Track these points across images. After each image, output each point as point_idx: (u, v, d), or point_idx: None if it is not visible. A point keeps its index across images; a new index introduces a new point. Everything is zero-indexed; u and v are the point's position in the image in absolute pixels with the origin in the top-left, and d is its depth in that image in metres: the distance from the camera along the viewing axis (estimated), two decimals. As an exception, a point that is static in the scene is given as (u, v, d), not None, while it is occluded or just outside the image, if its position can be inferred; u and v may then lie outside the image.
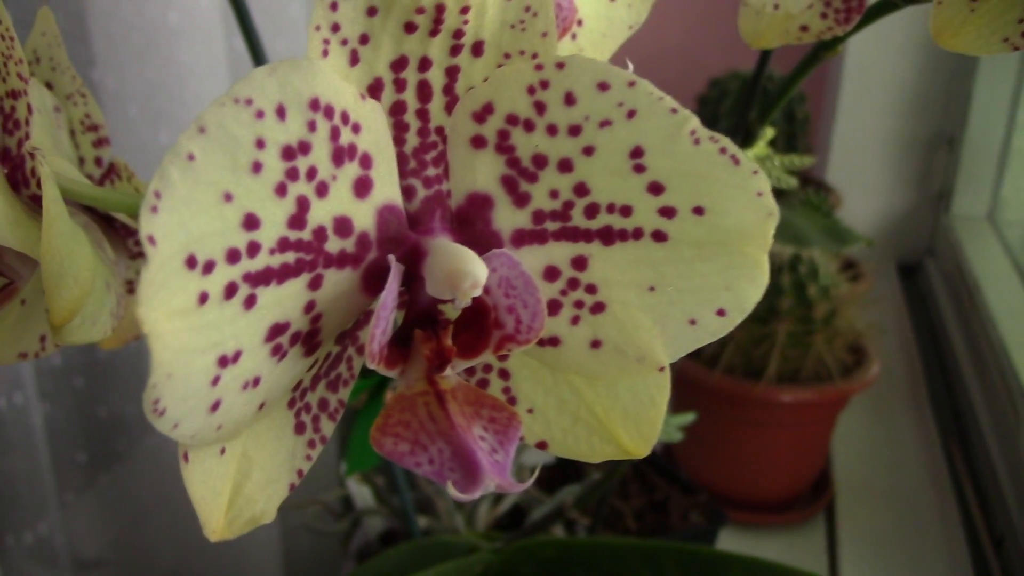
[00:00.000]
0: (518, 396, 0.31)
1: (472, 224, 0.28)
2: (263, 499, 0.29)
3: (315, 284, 0.26)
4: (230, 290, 0.24)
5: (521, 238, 0.28)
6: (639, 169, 0.27)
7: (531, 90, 0.27)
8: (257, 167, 0.24)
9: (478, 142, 0.28)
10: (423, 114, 0.28)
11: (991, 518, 0.93)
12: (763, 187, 0.27)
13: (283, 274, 0.25)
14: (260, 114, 0.23)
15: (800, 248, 0.95)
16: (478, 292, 0.26)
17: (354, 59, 0.26)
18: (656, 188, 0.27)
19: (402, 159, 0.28)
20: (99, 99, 0.72)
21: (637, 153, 0.27)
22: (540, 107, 0.27)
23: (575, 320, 0.29)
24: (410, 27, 0.26)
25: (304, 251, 0.25)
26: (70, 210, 0.31)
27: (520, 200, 0.28)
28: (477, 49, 0.27)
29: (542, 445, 0.31)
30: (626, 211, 0.27)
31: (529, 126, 0.27)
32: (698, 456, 0.99)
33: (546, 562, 0.56)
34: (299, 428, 0.29)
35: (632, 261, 0.28)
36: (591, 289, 0.29)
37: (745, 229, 0.27)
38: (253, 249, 0.24)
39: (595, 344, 0.29)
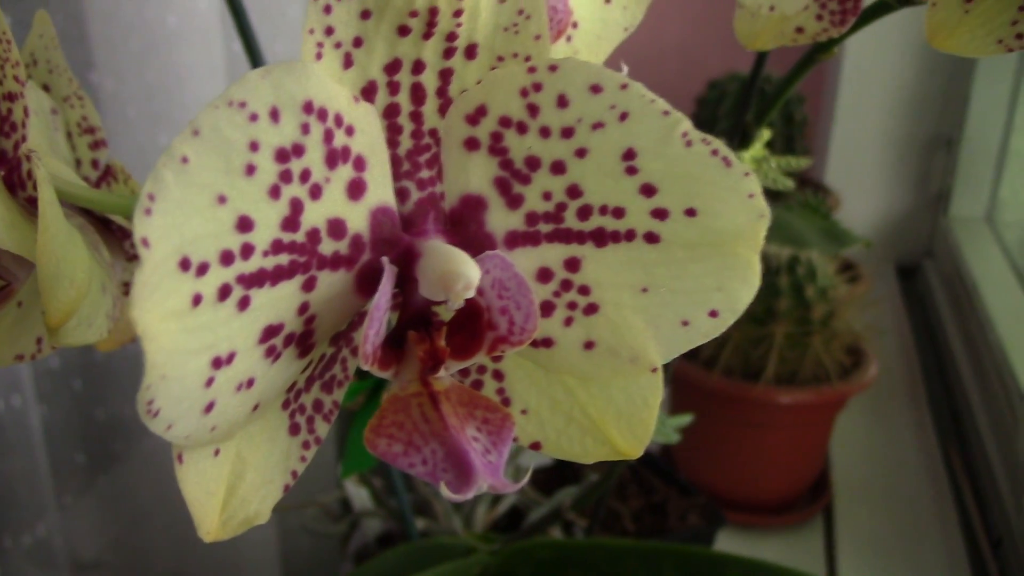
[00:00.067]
0: (512, 397, 0.31)
1: (465, 226, 0.29)
2: (257, 500, 0.29)
3: (309, 286, 0.26)
4: (224, 292, 0.24)
5: (514, 240, 0.29)
6: (631, 171, 0.27)
7: (524, 92, 0.27)
8: (251, 169, 0.24)
9: (471, 144, 0.28)
10: (417, 116, 0.28)
11: (989, 519, 0.93)
12: (755, 189, 0.27)
13: (277, 276, 0.25)
14: (254, 117, 0.24)
15: (798, 249, 0.95)
16: (471, 294, 0.26)
17: (348, 62, 0.26)
18: (648, 190, 0.27)
19: (396, 161, 0.28)
20: (98, 101, 0.72)
21: (629, 155, 0.27)
22: (533, 109, 0.27)
23: (568, 321, 0.29)
24: (403, 30, 0.26)
25: (298, 253, 0.26)
26: (66, 212, 0.31)
27: (513, 202, 0.28)
28: (470, 52, 0.27)
29: (536, 446, 0.31)
30: (619, 213, 0.28)
31: (522, 128, 0.27)
32: (696, 457, 0.99)
33: (544, 563, 0.56)
34: (293, 429, 0.29)
35: (625, 262, 0.28)
36: (584, 290, 0.29)
37: (737, 230, 0.27)
38: (247, 251, 0.24)
39: (588, 345, 0.29)
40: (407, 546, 0.60)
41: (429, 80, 0.27)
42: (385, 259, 0.27)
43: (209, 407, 0.25)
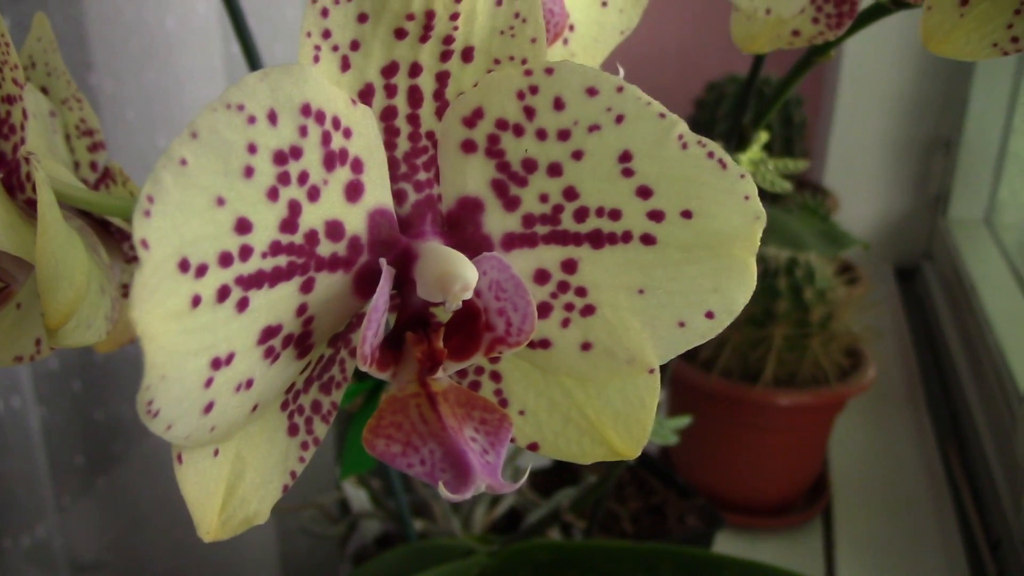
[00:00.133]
0: (509, 398, 0.31)
1: (463, 228, 0.29)
2: (256, 500, 0.29)
3: (307, 287, 0.26)
4: (223, 293, 0.24)
5: (511, 241, 0.29)
6: (628, 173, 0.27)
7: (520, 95, 0.27)
8: (249, 172, 0.24)
9: (468, 147, 0.28)
10: (414, 119, 0.28)
11: (988, 521, 0.93)
12: (750, 191, 0.27)
13: (275, 277, 0.25)
14: (252, 119, 0.24)
15: (797, 251, 0.95)
16: (468, 295, 0.27)
17: (345, 65, 0.26)
18: (644, 192, 0.27)
19: (393, 163, 0.28)
20: (97, 103, 0.72)
21: (626, 157, 0.27)
22: (529, 112, 0.27)
23: (565, 323, 0.29)
24: (400, 33, 0.26)
25: (296, 254, 0.26)
26: (65, 214, 0.31)
27: (510, 204, 0.28)
28: (467, 55, 0.27)
29: (533, 447, 0.31)
30: (615, 215, 0.28)
31: (519, 131, 0.27)
32: (695, 459, 0.99)
33: (542, 565, 0.56)
34: (292, 430, 0.30)
35: (621, 264, 0.28)
36: (581, 292, 0.29)
37: (733, 232, 0.27)
38: (245, 253, 0.24)
39: (585, 346, 0.29)
40: (405, 547, 0.61)
41: (426, 83, 0.28)
42: (383, 261, 0.27)
43: (208, 407, 0.25)
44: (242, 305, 0.25)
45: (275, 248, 0.25)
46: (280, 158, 0.24)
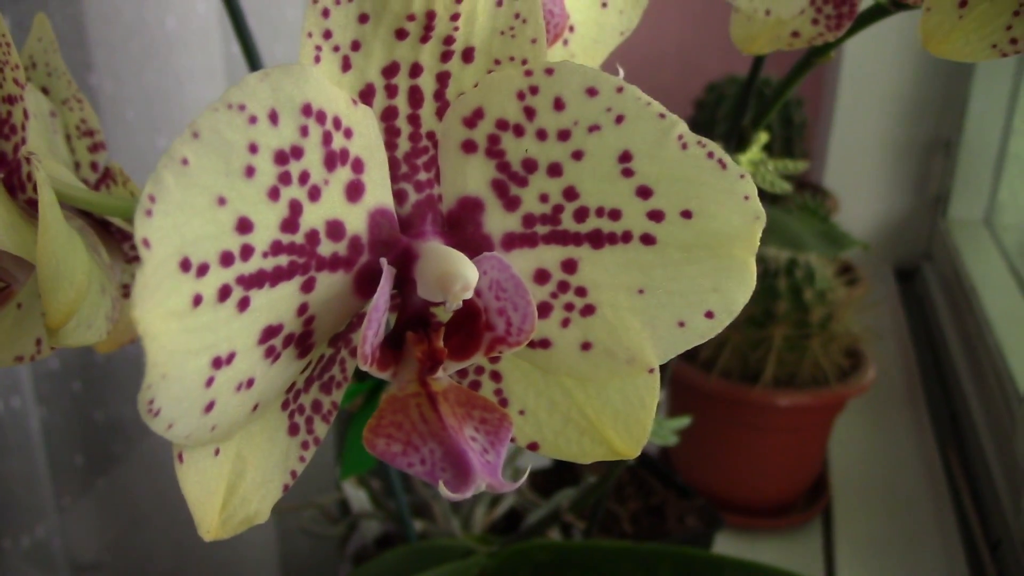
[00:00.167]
0: (510, 398, 0.31)
1: (463, 227, 0.29)
2: (257, 499, 0.29)
3: (308, 287, 0.26)
4: (224, 292, 0.24)
5: (511, 241, 0.29)
6: (627, 173, 0.27)
7: (521, 95, 0.27)
8: (250, 171, 0.24)
9: (469, 147, 0.28)
10: (414, 119, 0.28)
11: (987, 522, 0.93)
12: (750, 191, 0.27)
13: (276, 277, 0.25)
14: (253, 119, 0.24)
15: (797, 252, 0.95)
16: (469, 295, 0.27)
17: (346, 65, 0.26)
18: (644, 192, 0.27)
19: (394, 163, 0.28)
20: (97, 104, 0.72)
21: (625, 157, 0.27)
22: (530, 112, 0.27)
23: (565, 322, 0.29)
24: (401, 34, 0.26)
25: (297, 254, 0.26)
26: (66, 214, 0.31)
27: (510, 204, 0.28)
28: (467, 55, 0.27)
29: (533, 446, 0.31)
30: (615, 215, 0.28)
31: (519, 131, 0.27)
32: (694, 460, 0.99)
33: (541, 565, 0.56)
34: (293, 429, 0.30)
35: (621, 264, 0.28)
36: (581, 292, 0.29)
37: (732, 232, 0.27)
38: (246, 252, 0.24)
39: (585, 346, 0.29)
40: (405, 548, 0.61)
41: (427, 83, 0.28)
42: (383, 260, 0.27)
43: (209, 407, 0.25)
44: (243, 304, 0.25)
45: (276, 248, 0.25)
46: (281, 158, 0.24)
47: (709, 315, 0.29)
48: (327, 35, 0.26)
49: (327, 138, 0.25)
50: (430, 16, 0.26)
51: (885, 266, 1.51)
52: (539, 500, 0.78)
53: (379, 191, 0.27)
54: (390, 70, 0.27)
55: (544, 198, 0.28)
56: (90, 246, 0.34)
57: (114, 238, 0.41)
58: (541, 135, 0.27)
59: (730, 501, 0.97)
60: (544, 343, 0.30)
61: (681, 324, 0.29)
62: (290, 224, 0.25)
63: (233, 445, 0.28)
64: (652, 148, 0.27)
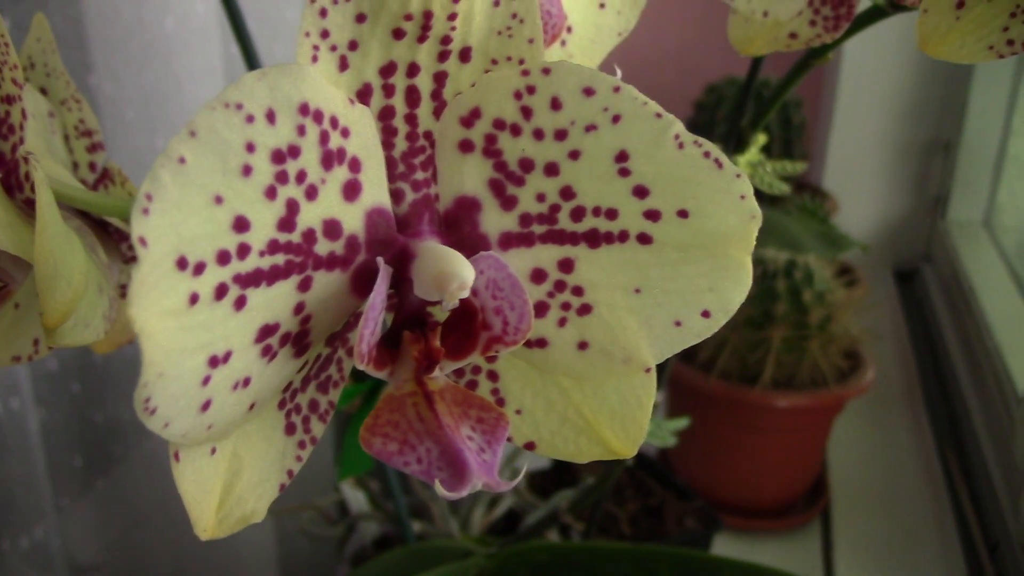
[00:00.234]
0: (506, 397, 0.31)
1: (460, 227, 0.29)
2: (253, 498, 0.29)
3: (305, 286, 0.27)
4: (220, 291, 0.24)
5: (508, 241, 0.29)
6: (624, 173, 0.27)
7: (518, 95, 0.27)
8: (247, 170, 0.24)
9: (466, 146, 0.28)
10: (411, 119, 0.28)
11: (986, 523, 0.93)
12: (746, 190, 0.27)
13: (273, 276, 0.26)
14: (250, 118, 0.24)
15: (796, 253, 0.95)
16: (465, 294, 0.27)
17: (343, 65, 0.26)
18: (641, 191, 0.27)
19: (391, 163, 0.28)
20: (96, 104, 0.72)
21: (622, 157, 0.27)
22: (527, 112, 0.27)
23: (562, 322, 0.29)
24: (398, 33, 0.26)
25: (293, 253, 0.26)
26: (64, 214, 0.31)
27: (507, 203, 0.28)
28: (465, 55, 0.28)
29: (530, 446, 0.31)
30: (612, 214, 0.28)
31: (516, 130, 0.27)
32: (693, 461, 0.99)
33: (540, 567, 0.56)
34: (289, 429, 0.30)
35: (618, 263, 0.28)
36: (578, 291, 0.29)
37: (728, 232, 0.28)
38: (243, 251, 0.24)
39: (582, 345, 0.30)
40: (404, 549, 0.61)
41: (424, 83, 0.28)
42: (380, 260, 0.27)
43: (206, 405, 0.25)
44: (240, 303, 0.25)
45: (273, 247, 0.25)
46: (278, 157, 0.24)
47: (705, 314, 0.29)
48: (324, 35, 0.26)
49: (324, 137, 0.25)
50: (427, 16, 0.26)
51: (884, 267, 1.51)
52: (537, 501, 0.78)
53: (376, 190, 0.27)
54: (387, 70, 0.27)
55: (541, 197, 0.28)
56: (88, 246, 0.34)
57: (112, 238, 0.41)
58: (538, 135, 0.27)
59: (729, 502, 0.97)
60: (541, 342, 0.30)
61: (678, 323, 0.29)
62: (287, 223, 0.25)
63: (229, 444, 0.28)
64: (649, 148, 0.27)
